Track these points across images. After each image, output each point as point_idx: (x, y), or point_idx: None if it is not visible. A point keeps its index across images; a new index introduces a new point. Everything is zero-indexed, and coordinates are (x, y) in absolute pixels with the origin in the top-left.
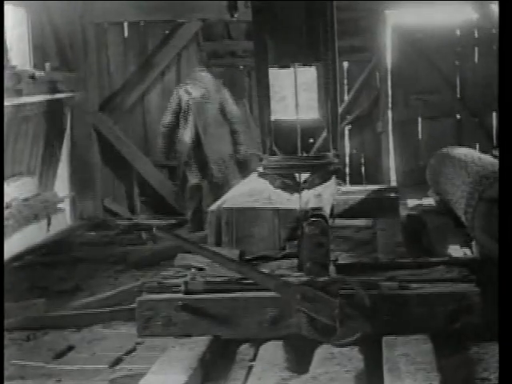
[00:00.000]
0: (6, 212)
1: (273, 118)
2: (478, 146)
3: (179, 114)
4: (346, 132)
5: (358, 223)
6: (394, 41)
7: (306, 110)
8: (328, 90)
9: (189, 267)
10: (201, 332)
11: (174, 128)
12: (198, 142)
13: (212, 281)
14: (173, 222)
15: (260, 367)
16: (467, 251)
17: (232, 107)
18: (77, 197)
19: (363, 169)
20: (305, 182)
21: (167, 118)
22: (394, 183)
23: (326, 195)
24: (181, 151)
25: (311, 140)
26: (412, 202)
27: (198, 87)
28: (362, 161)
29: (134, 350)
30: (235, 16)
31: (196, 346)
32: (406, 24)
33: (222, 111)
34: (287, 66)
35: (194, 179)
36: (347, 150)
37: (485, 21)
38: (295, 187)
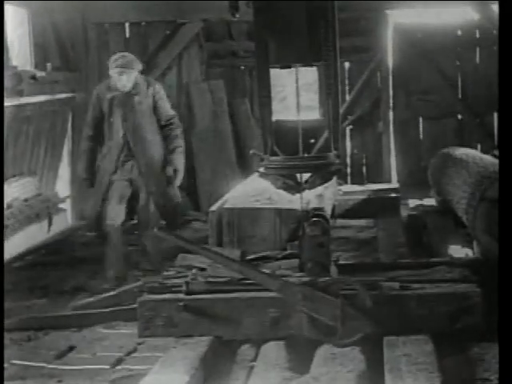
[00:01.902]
0: (6, 212)
1: (274, 118)
2: (479, 146)
3: (102, 120)
4: (348, 132)
5: (359, 223)
6: (395, 41)
7: (307, 110)
8: (329, 90)
9: (190, 267)
10: (202, 332)
11: (97, 142)
12: (127, 150)
13: (213, 281)
14: None
15: (261, 367)
16: (468, 251)
17: (166, 106)
18: (78, 197)
19: (364, 169)
20: (306, 182)
21: (87, 130)
22: (395, 183)
23: (327, 195)
24: (105, 167)
25: (312, 140)
26: (413, 202)
27: (124, 76)
28: (364, 161)
29: (135, 350)
30: (236, 16)
31: (197, 347)
32: (408, 24)
33: (155, 111)
34: (288, 67)
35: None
36: (348, 150)
37: (486, 21)
38: (296, 187)
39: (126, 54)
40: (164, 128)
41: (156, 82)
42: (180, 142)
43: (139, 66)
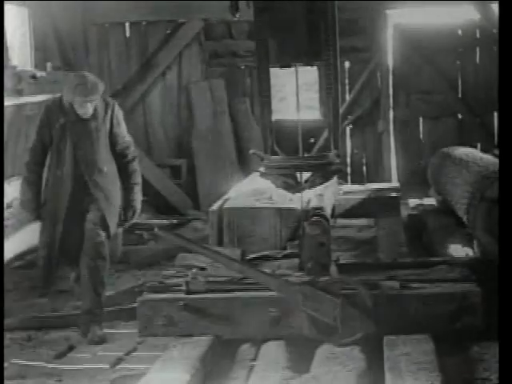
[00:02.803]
0: (7, 212)
1: (274, 117)
2: (479, 145)
3: (49, 146)
4: (348, 132)
5: (359, 223)
6: (395, 41)
7: (308, 109)
8: (329, 89)
9: (190, 267)
10: (202, 332)
11: (42, 170)
12: (80, 188)
13: (213, 280)
14: (174, 221)
15: (261, 367)
16: (469, 251)
17: (123, 131)
18: None
19: (364, 168)
20: (306, 181)
21: (33, 155)
22: (395, 183)
23: (327, 195)
24: (55, 201)
25: (312, 140)
26: (413, 202)
27: (88, 104)
28: (364, 160)
29: (135, 349)
30: (237, 16)
31: (197, 346)
32: (408, 24)
33: (111, 136)
34: (288, 66)
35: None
36: (348, 150)
37: (486, 21)
38: (296, 187)
39: (87, 76)
40: (119, 157)
41: (114, 101)
42: (139, 178)
43: (102, 88)
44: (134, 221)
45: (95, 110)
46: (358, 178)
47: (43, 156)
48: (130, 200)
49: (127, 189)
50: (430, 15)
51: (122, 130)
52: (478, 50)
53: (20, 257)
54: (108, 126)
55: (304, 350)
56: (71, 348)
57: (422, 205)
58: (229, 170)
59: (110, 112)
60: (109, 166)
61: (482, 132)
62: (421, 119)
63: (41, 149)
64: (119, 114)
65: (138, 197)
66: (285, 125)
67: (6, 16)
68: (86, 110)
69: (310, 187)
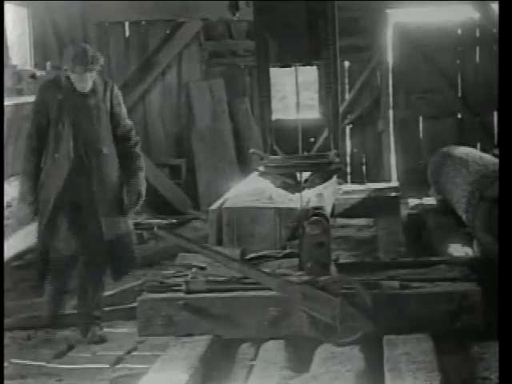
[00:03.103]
0: (6, 211)
1: (274, 117)
2: (479, 145)
3: (48, 128)
4: (347, 131)
5: (358, 222)
6: (395, 40)
7: (307, 109)
8: (329, 89)
9: (190, 266)
10: (202, 331)
11: (41, 156)
12: (78, 171)
13: (213, 280)
14: (174, 221)
15: (261, 366)
16: (468, 250)
17: (124, 114)
18: None
19: (364, 168)
20: (306, 181)
21: (30, 141)
22: (394, 182)
23: (327, 194)
24: (49, 186)
25: (312, 139)
26: (413, 201)
27: (87, 76)
28: (363, 160)
29: (134, 349)
30: (236, 15)
31: (197, 346)
32: (407, 23)
33: (111, 118)
34: (288, 66)
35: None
36: (348, 150)
37: (486, 20)
38: (296, 186)
39: (86, 47)
40: (121, 140)
41: (113, 82)
42: (142, 163)
43: (102, 61)
44: (139, 206)
45: (94, 85)
46: (357, 178)
47: (40, 143)
48: (134, 184)
49: (131, 173)
50: (430, 14)
51: (123, 111)
52: (477, 49)
53: (19, 256)
54: (108, 105)
55: (303, 349)
56: (71, 347)
57: (421, 204)
58: (228, 169)
59: (109, 92)
60: (109, 149)
61: (481, 131)
62: (421, 118)
63: (37, 136)
64: (118, 94)
65: (142, 181)
66: (284, 124)
67: (6, 15)
68: (85, 83)
69: (310, 187)
